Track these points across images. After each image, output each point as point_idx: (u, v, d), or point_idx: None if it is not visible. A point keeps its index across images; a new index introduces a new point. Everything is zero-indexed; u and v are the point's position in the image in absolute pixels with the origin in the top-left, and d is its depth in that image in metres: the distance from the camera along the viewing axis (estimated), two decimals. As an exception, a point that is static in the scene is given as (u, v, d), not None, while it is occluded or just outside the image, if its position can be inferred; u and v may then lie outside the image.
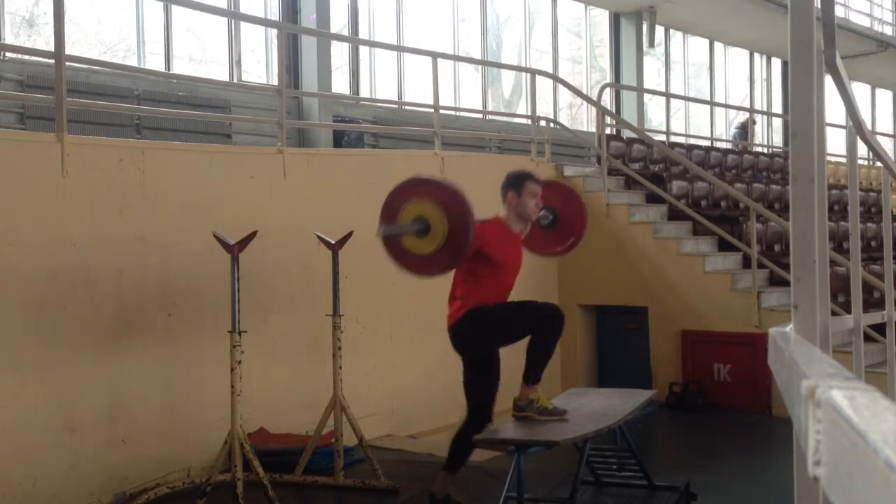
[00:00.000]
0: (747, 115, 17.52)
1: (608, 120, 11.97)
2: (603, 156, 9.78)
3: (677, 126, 18.22)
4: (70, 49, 6.94)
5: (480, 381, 4.91)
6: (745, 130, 17.04)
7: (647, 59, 17.50)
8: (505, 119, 14.80)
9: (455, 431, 4.99)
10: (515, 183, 4.99)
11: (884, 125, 24.13)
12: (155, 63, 10.57)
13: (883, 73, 22.38)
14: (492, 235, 4.85)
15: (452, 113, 12.20)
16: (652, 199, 9.85)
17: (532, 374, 4.90)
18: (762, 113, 20.21)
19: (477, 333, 4.87)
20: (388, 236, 4.61)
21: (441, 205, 4.52)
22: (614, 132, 13.82)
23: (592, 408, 5.19)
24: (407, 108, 12.55)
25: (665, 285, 9.03)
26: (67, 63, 5.82)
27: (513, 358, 5.00)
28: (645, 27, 16.90)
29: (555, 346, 4.95)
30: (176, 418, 5.88)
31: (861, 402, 0.84)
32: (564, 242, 5.57)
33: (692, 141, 15.51)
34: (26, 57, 9.03)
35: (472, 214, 4.53)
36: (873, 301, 7.85)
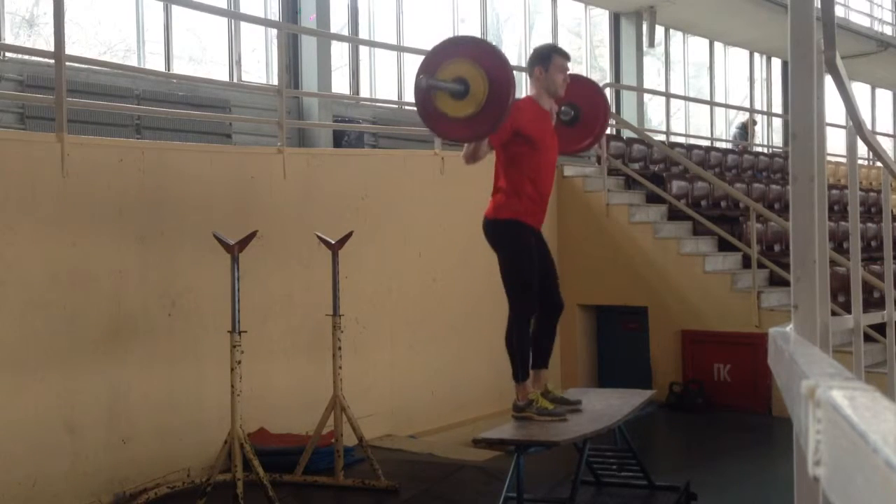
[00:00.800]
0: (747, 115, 17.52)
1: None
2: (603, 156, 9.78)
3: (677, 126, 18.22)
4: (70, 49, 6.94)
5: (518, 270, 4.79)
6: (745, 130, 17.04)
7: (647, 59, 17.50)
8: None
9: (505, 337, 4.85)
10: (542, 57, 4.90)
11: (884, 125, 24.13)
12: (155, 63, 10.57)
13: (883, 73, 22.37)
14: (526, 114, 4.75)
15: (452, 113, 12.17)
16: (652, 199, 9.85)
17: (513, 371, 4.86)
18: (762, 113, 20.21)
19: (506, 244, 4.80)
20: (429, 88, 4.46)
21: (484, 69, 4.39)
22: (614, 132, 13.82)
23: (592, 408, 5.19)
24: (407, 108, 12.53)
25: (665, 285, 9.03)
26: (67, 63, 5.82)
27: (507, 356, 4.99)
28: (645, 27, 16.90)
29: (517, 338, 4.82)
30: (176, 418, 5.88)
31: (861, 402, 0.84)
32: (588, 137, 5.48)
33: (692, 141, 15.50)
34: (26, 57, 9.03)
35: (514, 81, 4.43)
36: (873, 301, 7.85)
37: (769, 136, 20.83)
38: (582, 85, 5.54)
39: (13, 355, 5.11)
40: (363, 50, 12.93)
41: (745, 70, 20.52)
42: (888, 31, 21.77)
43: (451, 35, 4.69)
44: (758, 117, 19.90)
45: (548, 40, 15.89)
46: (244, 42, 11.41)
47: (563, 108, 5.15)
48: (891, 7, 22.61)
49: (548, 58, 4.89)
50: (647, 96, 17.76)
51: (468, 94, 4.40)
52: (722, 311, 8.70)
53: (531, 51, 5.05)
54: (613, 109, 16.09)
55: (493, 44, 4.59)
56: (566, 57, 4.95)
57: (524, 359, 4.85)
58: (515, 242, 4.81)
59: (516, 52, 15.59)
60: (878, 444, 0.69)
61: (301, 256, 6.68)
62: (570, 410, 4.95)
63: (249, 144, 9.70)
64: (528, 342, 4.86)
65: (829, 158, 9.12)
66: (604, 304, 9.52)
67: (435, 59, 4.51)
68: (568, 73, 4.96)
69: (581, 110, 5.37)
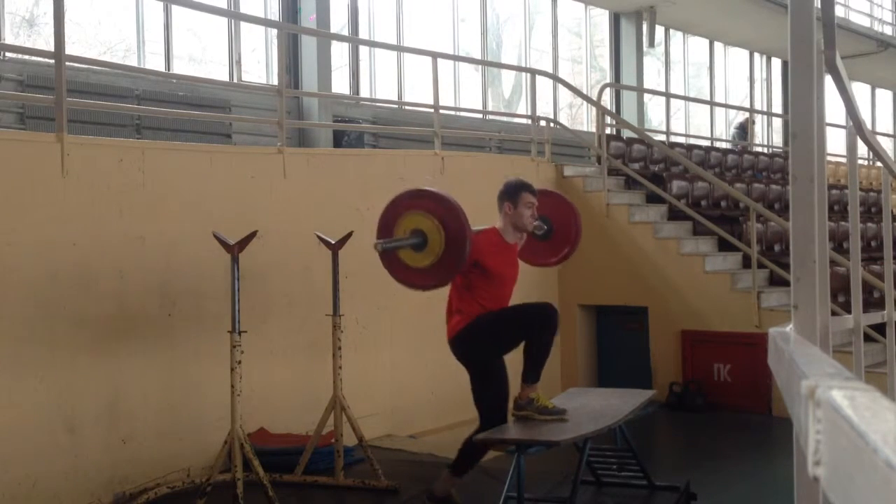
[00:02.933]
0: (746, 114, 17.52)
1: (608, 120, 11.97)
2: (603, 156, 9.78)
3: (677, 126, 18.22)
4: (70, 49, 6.94)
5: (488, 389, 4.89)
6: (744, 130, 17.03)
7: (647, 59, 17.50)
8: (505, 119, 14.80)
9: (467, 437, 4.94)
10: (511, 193, 4.97)
11: (884, 125, 24.13)
12: (155, 63, 10.57)
13: (883, 73, 22.38)
14: (488, 247, 4.83)
15: (452, 113, 12.20)
16: (652, 199, 9.85)
17: (531, 374, 4.88)
18: (762, 113, 20.21)
19: (477, 344, 4.86)
20: (385, 250, 4.63)
21: (437, 218, 4.55)
22: (614, 132, 13.82)
23: (592, 408, 5.19)
24: (407, 108, 12.54)
25: (665, 285, 9.02)
26: (67, 63, 5.82)
27: (512, 356, 4.99)
28: (645, 27, 16.90)
29: (551, 343, 4.90)
30: (176, 418, 5.88)
31: (861, 402, 0.84)
32: (559, 252, 5.57)
33: (692, 141, 15.50)
34: (26, 57, 9.03)
35: (469, 227, 4.55)
36: (873, 301, 7.86)
37: (769, 136, 20.83)
38: (555, 200, 5.63)
39: (13, 355, 5.11)
40: (363, 50, 12.93)
41: (745, 70, 20.53)
42: (888, 31, 21.77)
43: (406, 189, 4.83)
44: (757, 117, 19.91)
45: (548, 40, 15.90)
46: (244, 42, 11.41)
47: (537, 222, 5.20)
48: (891, 7, 22.61)
49: (516, 194, 4.96)
50: (647, 96, 17.76)
51: (426, 245, 4.57)
52: (722, 311, 8.70)
53: (503, 184, 5.07)
54: (613, 109, 16.12)
55: (446, 194, 4.70)
56: (534, 193, 5.02)
57: (466, 464, 4.97)
58: (484, 369, 4.87)
59: (516, 53, 15.60)
60: (878, 444, 0.69)
61: (301, 256, 6.68)
62: (555, 420, 4.94)
63: (249, 144, 9.70)
64: (478, 456, 4.98)
65: (829, 158, 9.12)
66: (604, 304, 9.52)
67: (389, 219, 4.71)
68: (535, 207, 5.02)
69: (554, 226, 5.47)
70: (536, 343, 4.85)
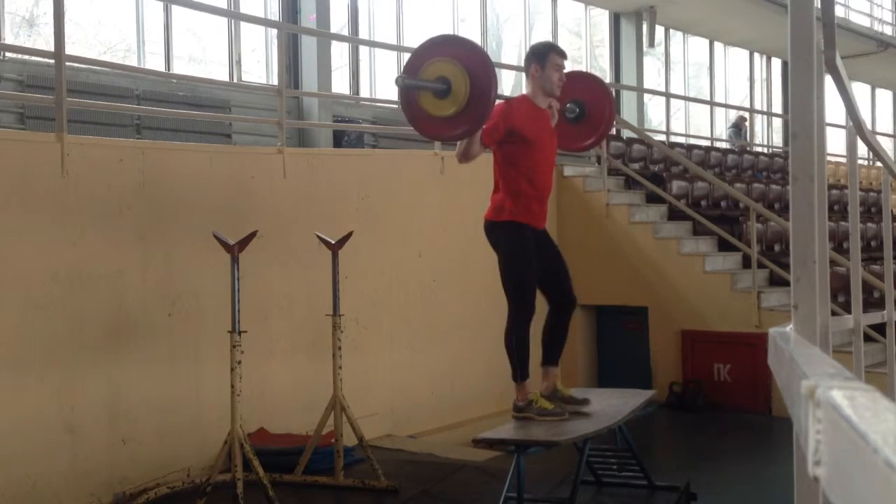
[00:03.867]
0: (741, 113, 17.49)
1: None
2: (603, 156, 9.77)
3: (677, 126, 18.21)
4: (70, 49, 6.93)
5: (518, 271, 4.79)
6: (739, 129, 17.00)
7: (647, 59, 17.50)
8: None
9: (505, 338, 4.85)
10: (539, 55, 4.88)
11: (884, 125, 24.13)
12: (155, 63, 10.57)
13: (883, 73, 22.38)
14: (520, 113, 4.75)
15: (452, 113, 12.18)
16: (652, 199, 9.84)
17: (512, 371, 4.86)
18: (762, 113, 20.21)
19: (504, 245, 4.79)
20: (407, 88, 4.50)
21: (465, 66, 4.40)
22: (614, 132, 13.81)
23: (592, 408, 5.19)
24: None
25: (665, 285, 9.02)
26: (67, 63, 5.82)
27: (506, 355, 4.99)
28: (645, 27, 16.90)
29: (514, 340, 4.83)
30: (176, 418, 5.88)
31: (861, 402, 0.84)
32: (594, 134, 5.46)
33: (692, 141, 15.50)
34: (26, 57, 9.03)
35: (496, 79, 4.43)
36: (873, 301, 7.86)
37: (769, 136, 20.83)
38: (587, 82, 5.53)
39: (13, 355, 5.11)
40: (363, 50, 12.93)
41: (745, 70, 20.52)
42: (888, 31, 21.77)
43: (437, 34, 4.69)
44: (757, 117, 19.91)
45: (548, 40, 15.89)
46: (244, 42, 11.41)
47: (568, 105, 5.13)
48: (891, 7, 22.61)
49: (544, 55, 4.87)
50: (647, 96, 17.76)
51: (450, 92, 4.42)
52: (722, 311, 8.70)
53: (528, 49, 5.04)
54: (613, 109, 16.09)
55: (474, 42, 4.59)
56: (563, 55, 4.93)
57: (523, 360, 4.85)
58: (514, 244, 4.80)
59: (516, 53, 15.59)
60: (878, 444, 0.69)
61: (301, 256, 6.68)
62: (577, 411, 4.94)
63: (249, 144, 9.70)
64: (526, 344, 4.86)
65: (829, 158, 9.12)
66: (604, 304, 9.51)
67: (416, 60, 4.57)
68: (564, 71, 4.95)
69: (586, 108, 5.35)
70: (563, 319, 4.87)
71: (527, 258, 4.82)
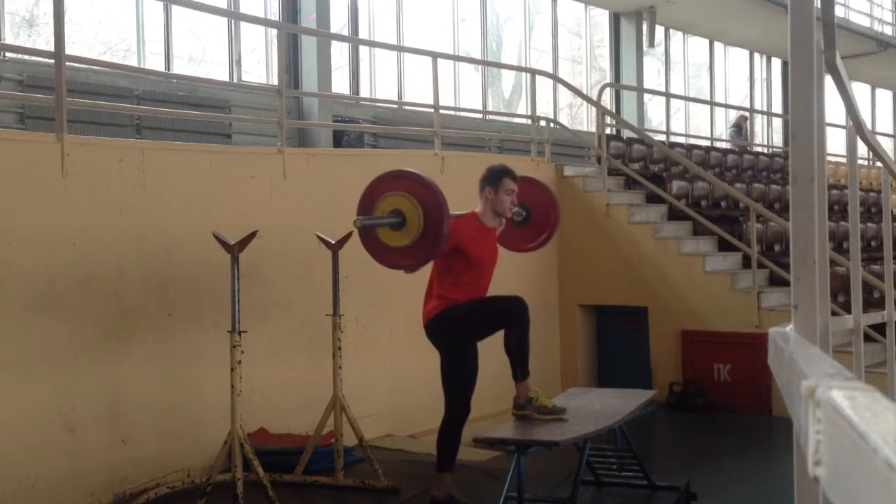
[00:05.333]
0: (741, 113, 17.48)
1: (608, 120, 11.97)
2: (603, 156, 9.78)
3: (677, 126, 18.21)
4: (70, 49, 6.94)
5: (458, 374, 4.93)
6: (740, 129, 16.98)
7: (647, 59, 17.50)
8: (505, 119, 14.80)
9: (439, 430, 4.99)
10: (493, 179, 5.06)
11: (884, 125, 24.13)
12: (155, 63, 10.57)
13: (883, 73, 22.38)
14: (467, 231, 4.91)
15: (452, 113, 12.20)
16: (652, 199, 9.85)
17: (519, 370, 4.93)
18: (762, 113, 20.21)
19: (451, 330, 4.92)
20: (365, 227, 4.68)
21: (417, 198, 4.60)
22: (614, 132, 13.82)
23: (592, 408, 5.19)
24: (407, 108, 12.54)
25: (665, 285, 9.02)
26: (67, 63, 5.82)
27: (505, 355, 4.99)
28: (645, 27, 16.89)
29: (527, 336, 4.92)
30: (176, 418, 5.88)
31: (861, 402, 0.84)
32: (537, 238, 5.68)
33: (692, 141, 15.50)
34: (26, 57, 9.03)
35: (447, 209, 4.60)
36: (873, 301, 7.86)
37: (769, 136, 20.83)
38: (535, 187, 5.71)
39: (13, 355, 5.11)
40: (363, 50, 12.93)
41: (745, 70, 20.52)
42: (888, 31, 21.77)
43: (388, 169, 4.88)
44: (757, 117, 19.91)
45: (548, 40, 15.90)
46: (244, 42, 11.41)
47: (515, 208, 5.25)
48: (891, 7, 22.61)
49: (498, 180, 5.04)
50: (647, 96, 17.76)
51: (405, 224, 4.62)
52: (722, 311, 8.70)
53: (485, 169, 5.17)
54: (613, 109, 16.12)
55: (424, 176, 4.75)
56: (515, 180, 5.10)
57: (450, 454, 4.94)
58: (456, 312, 4.89)
59: (516, 53, 15.60)
60: (878, 444, 0.69)
61: (301, 256, 6.68)
62: (554, 419, 4.94)
63: (249, 144, 9.70)
64: (457, 442, 4.95)
65: (829, 158, 9.12)
66: (604, 304, 9.52)
67: (370, 197, 4.77)
68: (515, 193, 5.09)
69: (532, 212, 5.56)
70: (512, 337, 4.90)
71: (469, 371, 4.92)
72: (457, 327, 4.91)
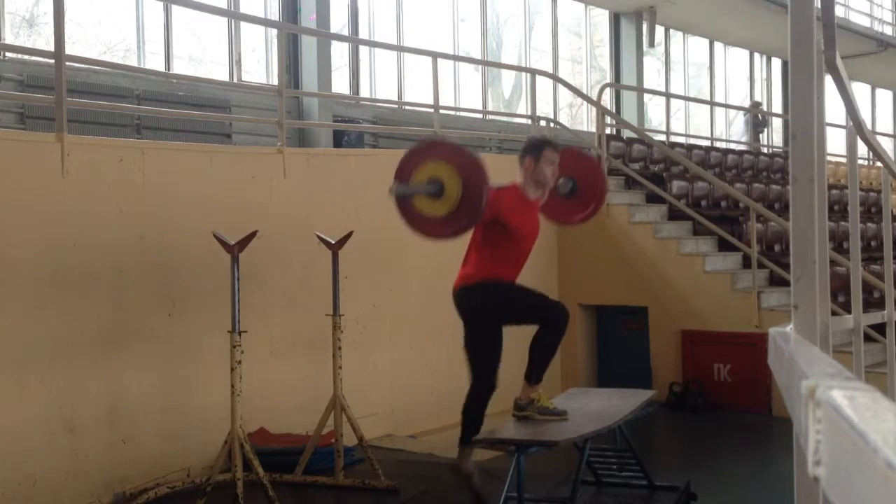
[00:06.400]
0: (752, 100, 17.36)
1: (608, 120, 11.97)
2: (603, 156, 9.77)
3: (677, 126, 18.21)
4: (70, 49, 6.93)
5: (481, 345, 4.86)
6: (755, 118, 16.81)
7: (647, 59, 17.49)
8: (505, 119, 14.79)
9: (463, 402, 4.92)
10: (533, 149, 4.97)
11: (884, 125, 24.12)
12: (155, 63, 10.57)
13: (883, 73, 22.37)
14: (509, 203, 4.81)
15: (452, 113, 12.20)
16: (652, 199, 9.85)
17: (535, 373, 4.88)
18: (762, 113, 20.19)
19: (484, 302, 4.84)
20: (401, 195, 4.56)
21: (455, 167, 4.47)
22: (614, 132, 13.82)
23: (592, 408, 5.19)
24: (407, 108, 12.54)
25: (665, 285, 9.02)
26: (67, 63, 5.82)
27: (514, 356, 4.99)
28: (645, 27, 16.89)
29: (558, 345, 4.91)
30: (176, 418, 5.88)
31: (861, 402, 0.84)
32: (585, 209, 5.52)
33: (692, 141, 15.50)
34: (26, 57, 9.03)
35: (487, 178, 4.49)
36: (873, 301, 7.85)
37: (769, 136, 20.82)
38: (581, 159, 5.62)
39: (13, 355, 5.11)
40: (363, 50, 12.93)
41: (745, 70, 20.52)
42: (888, 31, 21.76)
43: (424, 137, 4.78)
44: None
45: (548, 40, 15.89)
46: (244, 42, 11.41)
47: (560, 180, 5.20)
48: (891, 7, 22.61)
49: (539, 150, 4.96)
50: (647, 96, 17.76)
51: (443, 193, 4.49)
52: (722, 311, 8.70)
53: (525, 140, 5.12)
54: (613, 109, 16.11)
55: (463, 146, 4.68)
56: (557, 150, 5.02)
57: (471, 431, 4.88)
58: (481, 316, 4.85)
59: (516, 53, 15.60)
60: (878, 444, 0.69)
61: (301, 256, 6.68)
62: (554, 420, 4.94)
63: (249, 144, 9.70)
64: (480, 419, 4.90)
65: (829, 158, 9.12)
66: (604, 304, 9.52)
67: (407, 164, 4.63)
68: (556, 164, 5.02)
69: (578, 183, 5.43)
70: (543, 341, 4.84)
71: (495, 342, 4.88)
72: (492, 302, 4.83)
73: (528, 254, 5.01)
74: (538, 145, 5.00)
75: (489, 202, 4.54)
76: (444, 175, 4.48)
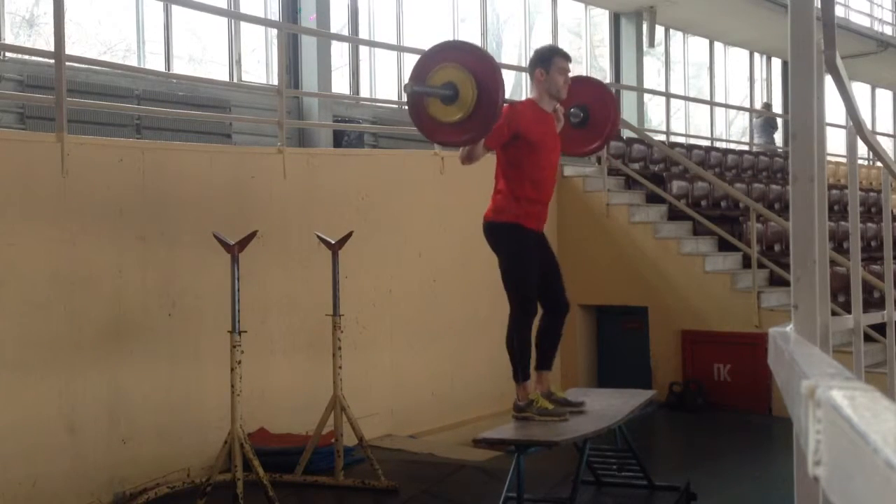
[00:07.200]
0: (763, 101, 17.33)
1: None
2: (603, 156, 9.77)
3: (677, 126, 18.21)
4: (70, 49, 6.93)
5: (518, 265, 4.80)
6: (768, 120, 16.75)
7: (647, 59, 17.49)
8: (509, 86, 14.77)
9: (506, 336, 4.87)
10: (543, 59, 4.89)
11: (884, 125, 24.12)
12: (155, 63, 10.57)
13: (883, 73, 22.37)
14: (525, 116, 4.76)
15: (452, 113, 12.17)
16: (652, 199, 9.84)
17: (514, 372, 4.86)
18: (762, 113, 20.19)
19: (506, 246, 4.81)
20: (415, 93, 4.50)
21: (471, 72, 4.40)
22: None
23: (592, 408, 5.19)
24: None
25: (665, 285, 9.02)
26: (67, 63, 5.81)
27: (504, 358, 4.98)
28: (645, 27, 16.89)
29: (518, 340, 4.83)
30: (176, 418, 5.88)
31: (861, 402, 0.84)
32: (599, 138, 5.47)
33: (692, 141, 15.50)
34: (26, 57, 9.03)
35: (503, 85, 4.43)
36: (873, 301, 7.85)
37: (756, 135, 20.82)
38: (592, 87, 5.54)
39: (13, 355, 5.11)
40: (363, 50, 12.93)
41: (745, 70, 20.52)
42: (888, 31, 21.76)
43: (444, 39, 4.69)
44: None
45: (548, 40, 15.88)
46: (244, 42, 11.41)
47: (572, 109, 5.14)
48: (891, 7, 22.60)
49: (549, 59, 4.88)
50: (647, 96, 17.76)
51: (457, 98, 4.41)
52: (722, 311, 8.70)
53: (532, 52, 5.05)
54: (613, 109, 16.08)
55: (482, 48, 4.59)
56: (567, 58, 4.94)
57: (524, 360, 4.86)
58: (515, 245, 4.80)
59: (516, 53, 15.59)
60: (878, 444, 0.69)
61: (301, 256, 6.68)
62: (574, 412, 4.95)
63: (249, 144, 9.70)
64: (528, 344, 4.86)
65: (829, 158, 9.12)
66: (604, 304, 9.52)
67: (424, 66, 4.55)
68: (569, 74, 4.96)
69: (590, 112, 5.35)
70: (548, 332, 4.85)
71: (529, 260, 4.83)
72: (513, 250, 4.78)
73: (555, 168, 4.96)
74: (547, 54, 4.91)
75: (506, 117, 4.47)
76: (461, 80, 4.40)
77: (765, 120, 16.84)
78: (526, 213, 4.80)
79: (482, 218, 4.92)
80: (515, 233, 4.78)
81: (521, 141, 4.72)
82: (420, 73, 4.54)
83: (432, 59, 4.56)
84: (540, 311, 4.97)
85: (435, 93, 4.45)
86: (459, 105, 4.41)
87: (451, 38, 4.79)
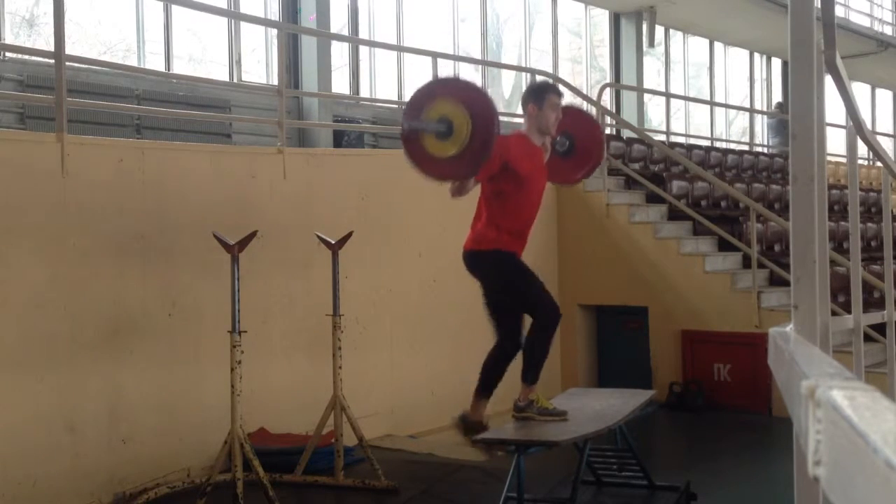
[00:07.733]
0: (777, 101, 17.22)
1: (608, 120, 11.96)
2: (603, 156, 9.77)
3: (677, 126, 18.20)
4: (70, 49, 6.94)
5: (523, 278, 4.83)
6: (781, 122, 16.68)
7: (647, 59, 17.49)
8: (505, 119, 14.76)
9: (485, 359, 4.91)
10: (536, 95, 4.94)
11: (884, 125, 24.11)
12: (155, 63, 10.56)
13: (883, 73, 22.36)
14: (517, 149, 4.78)
15: (452, 113, 12.17)
16: (652, 199, 9.84)
17: (530, 373, 4.87)
18: (762, 113, 20.20)
19: (491, 274, 4.84)
20: (410, 131, 4.51)
21: (466, 106, 4.42)
22: (614, 132, 13.82)
23: (592, 408, 5.19)
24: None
25: (665, 285, 9.02)
26: (67, 63, 5.82)
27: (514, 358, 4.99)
28: (645, 27, 16.89)
29: (548, 344, 4.86)
30: (176, 418, 5.88)
31: (861, 402, 0.84)
32: (585, 166, 5.49)
33: (692, 141, 15.50)
34: (26, 57, 9.03)
35: (498, 119, 4.46)
36: (873, 301, 7.85)
37: (770, 136, 20.82)
38: (579, 117, 5.59)
39: (13, 355, 5.11)
40: (363, 50, 12.93)
41: (745, 70, 20.52)
42: (888, 31, 21.76)
43: (435, 76, 4.71)
44: (757, 117, 19.91)
45: (548, 40, 15.89)
46: (244, 42, 11.40)
47: (558, 138, 5.17)
48: (891, 7, 22.60)
49: (542, 96, 4.93)
50: (647, 96, 17.75)
51: (452, 133, 4.43)
52: (722, 311, 8.70)
53: (526, 87, 5.13)
54: (613, 109, 16.11)
55: (477, 84, 4.61)
56: (559, 95, 5.00)
57: (491, 383, 4.89)
58: (508, 265, 4.83)
59: (516, 53, 15.59)
60: (878, 444, 0.69)
61: (301, 256, 6.68)
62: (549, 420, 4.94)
63: (249, 144, 9.70)
64: (500, 373, 4.89)
65: (829, 158, 9.11)
66: (604, 304, 9.52)
67: (418, 102, 4.58)
68: (560, 109, 5.00)
69: (576, 142, 5.40)
70: (534, 339, 4.83)
71: (528, 269, 4.86)
72: (496, 276, 4.83)
73: (538, 204, 4.98)
74: (541, 90, 4.96)
75: (497, 150, 4.49)
76: (455, 115, 4.42)
77: (779, 120, 16.80)
78: (506, 242, 4.84)
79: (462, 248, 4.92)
80: (502, 255, 4.81)
81: (510, 174, 4.75)
82: (415, 108, 4.57)
83: (427, 94, 4.60)
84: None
85: (429, 128, 4.48)
86: (453, 140, 4.44)
87: (444, 76, 4.79)
